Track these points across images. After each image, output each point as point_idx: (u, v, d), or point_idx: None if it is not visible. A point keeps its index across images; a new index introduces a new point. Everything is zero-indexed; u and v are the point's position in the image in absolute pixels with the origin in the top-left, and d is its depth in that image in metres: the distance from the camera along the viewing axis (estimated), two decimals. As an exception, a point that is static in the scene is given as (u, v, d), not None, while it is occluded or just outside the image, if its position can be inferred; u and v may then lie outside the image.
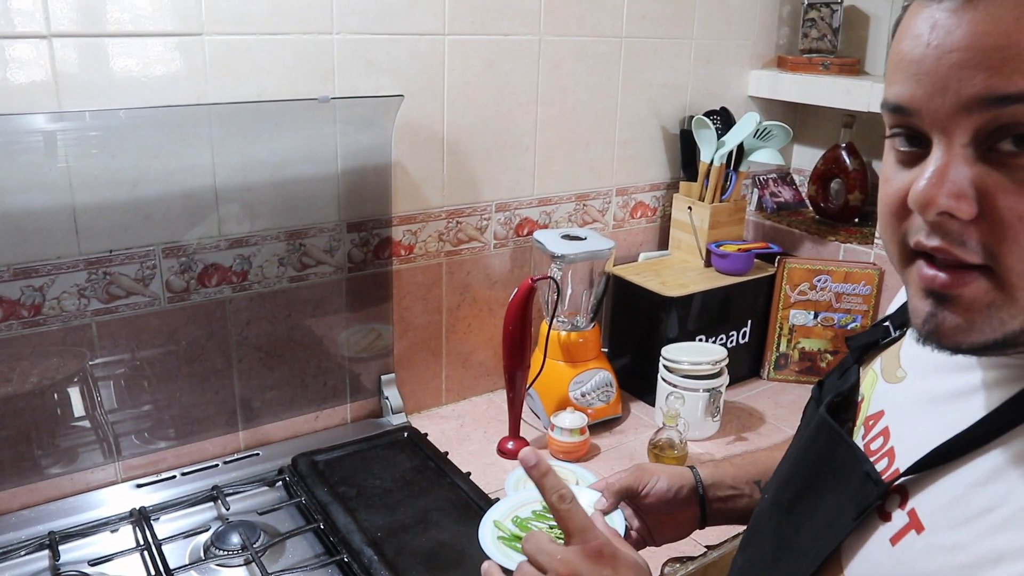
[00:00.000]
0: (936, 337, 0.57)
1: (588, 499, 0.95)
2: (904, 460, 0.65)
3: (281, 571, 1.18)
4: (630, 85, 1.80)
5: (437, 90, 1.52)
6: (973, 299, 0.54)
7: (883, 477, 0.65)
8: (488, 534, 0.94)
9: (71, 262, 1.26)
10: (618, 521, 0.92)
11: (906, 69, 0.55)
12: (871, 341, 0.78)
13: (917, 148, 0.56)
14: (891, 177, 0.59)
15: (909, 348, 0.72)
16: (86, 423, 1.35)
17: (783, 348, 1.90)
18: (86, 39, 1.19)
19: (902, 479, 0.63)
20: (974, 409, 0.61)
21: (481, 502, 1.32)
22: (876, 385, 0.74)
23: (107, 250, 1.28)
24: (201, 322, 1.39)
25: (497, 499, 1.34)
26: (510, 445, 1.56)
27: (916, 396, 0.68)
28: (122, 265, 1.30)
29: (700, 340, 1.77)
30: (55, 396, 1.31)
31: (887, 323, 0.78)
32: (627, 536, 0.93)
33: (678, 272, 1.84)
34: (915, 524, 0.60)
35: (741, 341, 1.86)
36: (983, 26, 0.50)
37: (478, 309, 1.71)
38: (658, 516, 0.97)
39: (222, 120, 1.31)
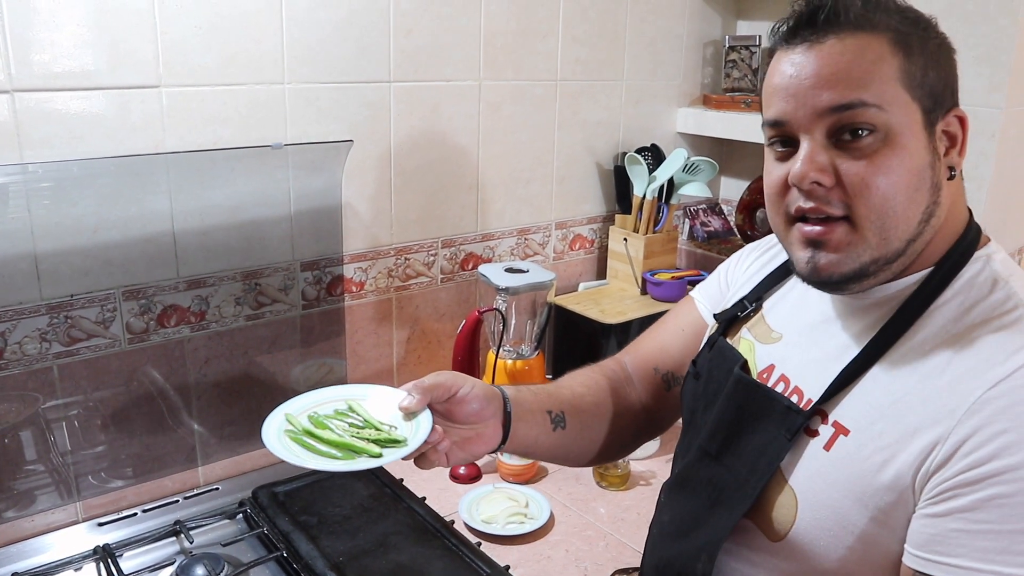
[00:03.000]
0: (816, 274, 0.79)
1: (395, 397, 0.94)
2: (813, 391, 0.84)
3: (248, 599, 1.23)
4: (566, 125, 1.90)
5: (384, 134, 1.60)
6: (839, 241, 0.77)
7: (800, 407, 0.84)
8: (275, 427, 0.95)
9: (33, 307, 1.29)
10: (425, 421, 0.89)
11: (778, 95, 0.79)
12: (732, 316, 0.98)
13: (789, 148, 0.80)
14: (772, 170, 0.82)
15: (776, 315, 0.94)
16: (46, 464, 1.38)
17: (717, 370, 2.00)
18: (48, 93, 1.24)
19: (817, 404, 0.82)
20: (850, 338, 0.83)
21: (437, 524, 1.38)
22: (755, 349, 0.94)
23: (68, 294, 1.32)
24: (160, 362, 1.43)
25: (451, 521, 1.41)
26: (462, 470, 1.63)
27: (798, 346, 0.89)
28: (83, 308, 1.34)
29: (639, 364, 1.86)
30: (16, 438, 1.34)
31: (744, 300, 0.98)
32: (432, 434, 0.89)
33: (616, 300, 1.93)
34: (841, 430, 0.79)
35: (677, 364, 1.96)
36: (824, 60, 0.75)
37: (427, 341, 1.79)
38: (462, 429, 0.95)
39: (179, 167, 1.37)
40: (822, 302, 0.88)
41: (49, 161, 1.26)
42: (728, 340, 0.98)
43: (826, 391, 0.81)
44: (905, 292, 0.79)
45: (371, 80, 1.55)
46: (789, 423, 0.83)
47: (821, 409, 0.82)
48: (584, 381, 1.12)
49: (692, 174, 1.94)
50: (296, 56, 1.45)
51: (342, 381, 1.66)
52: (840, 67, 0.74)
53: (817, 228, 0.77)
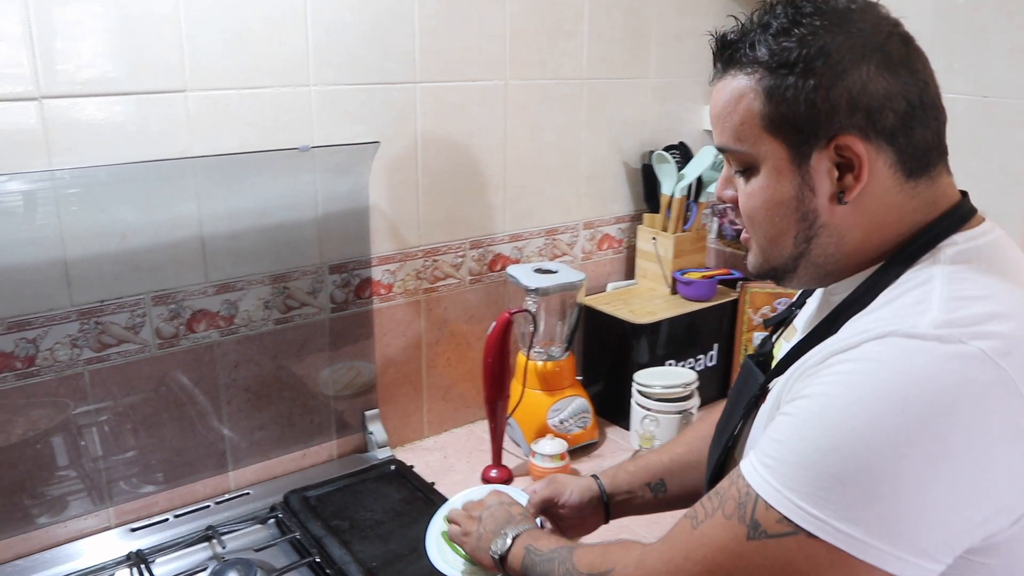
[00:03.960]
0: (748, 269, 0.89)
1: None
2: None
3: (281, 604, 1.22)
4: (593, 123, 1.88)
5: (410, 135, 1.59)
6: (748, 247, 0.87)
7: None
8: (435, 529, 1.18)
9: (63, 313, 1.29)
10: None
11: None
12: (782, 319, 1.01)
13: None
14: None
15: (801, 315, 0.98)
16: (78, 470, 1.38)
17: (749, 369, 1.97)
18: (75, 99, 1.24)
19: (765, 382, 0.89)
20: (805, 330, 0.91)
21: (470, 529, 1.37)
22: (781, 347, 0.98)
23: (98, 300, 1.32)
24: (190, 366, 1.43)
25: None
26: (493, 473, 1.61)
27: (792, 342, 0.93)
28: (113, 314, 1.34)
29: (670, 364, 1.84)
30: (48, 445, 1.34)
31: (791, 305, 1.02)
32: None
33: (645, 300, 1.91)
34: (767, 395, 0.87)
35: (709, 364, 1.94)
36: (715, 100, 0.83)
37: (456, 343, 1.77)
38: (570, 520, 1.17)
39: (207, 172, 1.37)
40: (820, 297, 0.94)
41: (77, 167, 1.26)
42: (775, 341, 1.01)
43: (775, 367, 0.88)
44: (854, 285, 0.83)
45: (397, 81, 1.54)
46: (754, 396, 0.91)
47: (767, 388, 0.89)
48: (688, 439, 1.18)
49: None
50: (321, 58, 1.44)
51: (372, 384, 1.65)
52: (719, 110, 0.82)
53: (744, 236, 0.88)
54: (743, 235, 0.88)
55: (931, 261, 0.77)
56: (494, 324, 1.53)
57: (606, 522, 1.18)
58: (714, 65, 0.84)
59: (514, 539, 1.02)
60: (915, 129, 0.77)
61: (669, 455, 1.17)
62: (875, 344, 0.70)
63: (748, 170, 0.82)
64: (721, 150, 0.83)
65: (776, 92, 0.77)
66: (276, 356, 1.52)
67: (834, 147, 0.77)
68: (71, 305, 1.30)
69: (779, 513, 0.70)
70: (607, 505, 1.16)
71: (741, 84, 0.80)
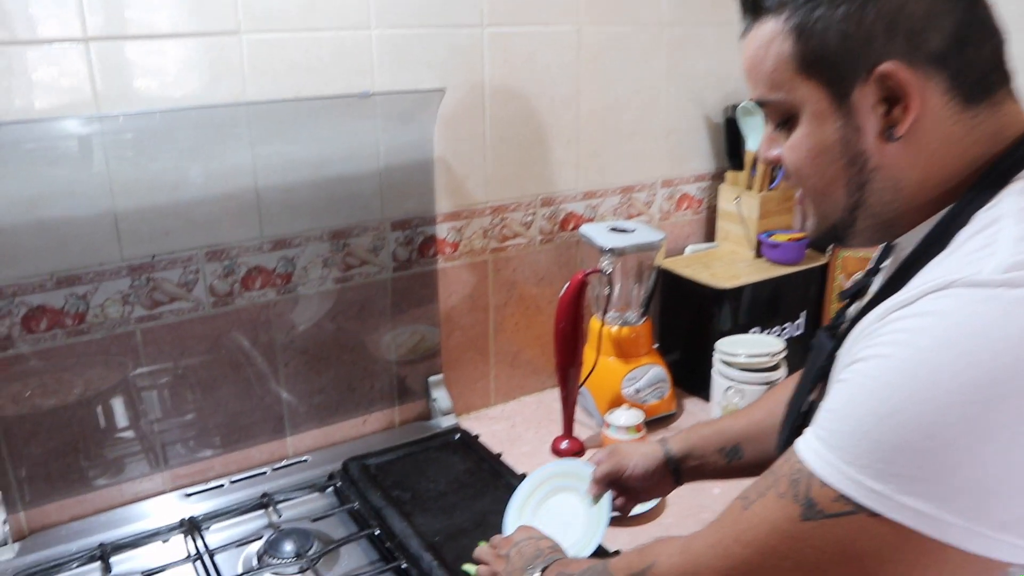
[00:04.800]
0: (808, 235, 0.84)
1: (587, 474, 1.16)
2: None
3: (337, 579, 1.14)
4: (673, 74, 1.75)
5: (477, 84, 1.48)
6: (804, 209, 0.81)
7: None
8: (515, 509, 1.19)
9: (114, 268, 1.23)
10: (606, 503, 1.13)
11: None
12: (857, 290, 0.91)
13: None
14: None
15: (876, 282, 0.88)
16: (132, 432, 1.33)
17: (839, 339, 1.84)
18: (123, 41, 1.17)
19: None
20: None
21: (539, 503, 1.28)
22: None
23: (149, 255, 1.25)
24: (246, 326, 1.36)
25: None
26: (564, 445, 1.52)
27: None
28: (165, 270, 1.27)
29: (754, 332, 1.71)
30: (101, 405, 1.29)
31: (867, 273, 0.92)
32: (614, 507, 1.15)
33: (728, 264, 1.79)
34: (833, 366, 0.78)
35: (795, 333, 1.80)
36: (746, 53, 0.78)
37: (525, 307, 1.67)
38: (637, 490, 1.15)
39: (261, 119, 1.29)
40: None
41: (127, 113, 1.19)
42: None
43: (840, 336, 0.79)
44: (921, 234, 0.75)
45: (462, 24, 1.43)
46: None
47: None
48: (768, 404, 1.10)
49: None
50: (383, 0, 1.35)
51: (436, 349, 1.57)
52: (751, 62, 0.77)
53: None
54: (796, 196, 0.79)
55: (1000, 198, 0.69)
56: (567, 286, 1.42)
57: (676, 487, 1.15)
58: (742, 19, 0.79)
59: (543, 571, 0.96)
60: (966, 49, 0.70)
61: (747, 420, 1.11)
62: (935, 296, 0.64)
63: (788, 121, 0.76)
64: (759, 105, 0.79)
65: (805, 28, 0.72)
66: (336, 317, 1.44)
67: (876, 78, 0.70)
68: (121, 260, 1.24)
69: (836, 490, 0.64)
70: (677, 471, 1.12)
71: (769, 29, 0.74)
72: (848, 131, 0.73)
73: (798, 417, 0.84)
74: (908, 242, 0.76)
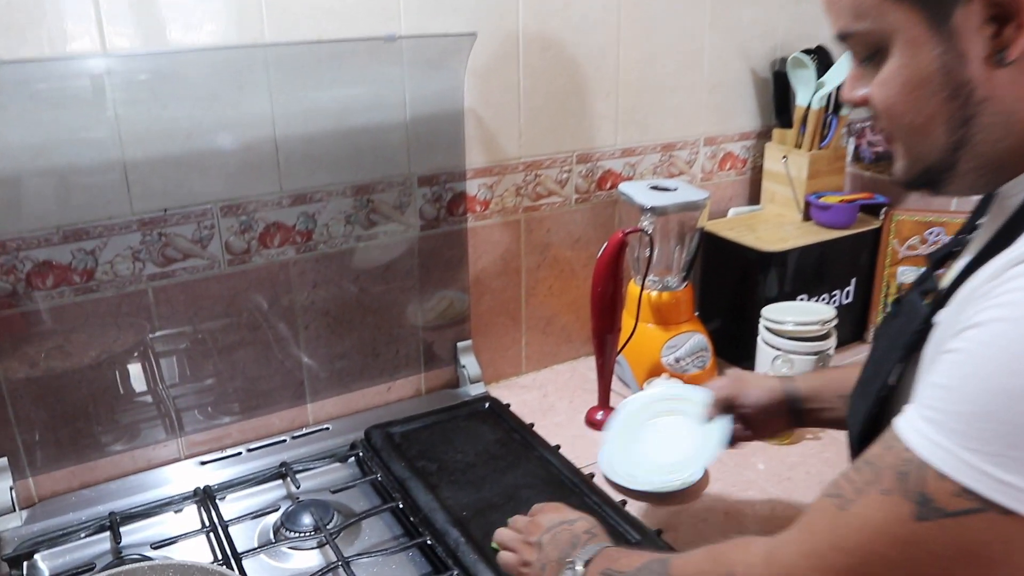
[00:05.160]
0: (898, 179, 0.73)
1: (699, 399, 1.14)
2: None
3: (358, 555, 1.07)
4: (717, 24, 1.64)
5: (511, 31, 1.38)
6: (894, 150, 0.71)
7: None
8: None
9: (124, 223, 1.16)
10: (720, 425, 1.10)
11: None
12: (948, 252, 0.82)
13: None
14: None
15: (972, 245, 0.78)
16: (146, 397, 1.26)
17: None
18: (132, -25, 1.08)
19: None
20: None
21: (574, 478, 1.19)
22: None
23: (161, 209, 1.18)
24: (264, 286, 1.28)
25: (590, 474, 1.22)
26: (599, 416, 1.43)
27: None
28: (178, 225, 1.20)
29: (801, 300, 1.61)
30: (112, 368, 1.22)
31: (961, 232, 0.83)
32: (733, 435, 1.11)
33: (774, 227, 1.68)
34: (930, 334, 0.69)
35: (844, 301, 1.70)
36: None
37: (559, 270, 1.58)
38: (755, 420, 1.10)
39: (280, 64, 1.20)
40: None
41: (139, 53, 1.11)
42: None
43: (938, 300, 0.71)
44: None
45: (496, -35, 1.34)
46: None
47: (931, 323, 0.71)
48: None
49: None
50: (411, -66, 1.25)
51: (465, 313, 1.49)
52: None
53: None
54: (884, 138, 0.74)
55: None
56: (605, 246, 1.33)
57: (795, 428, 1.16)
58: None
59: (586, 565, 0.86)
60: None
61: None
62: None
63: (877, 54, 0.68)
64: (842, 38, 0.70)
65: None
66: (359, 278, 1.36)
67: None
68: (132, 214, 1.16)
69: (957, 483, 0.54)
70: (798, 411, 1.08)
71: None
72: (949, 58, 0.64)
73: (883, 390, 0.74)
74: (1016, 189, 0.66)
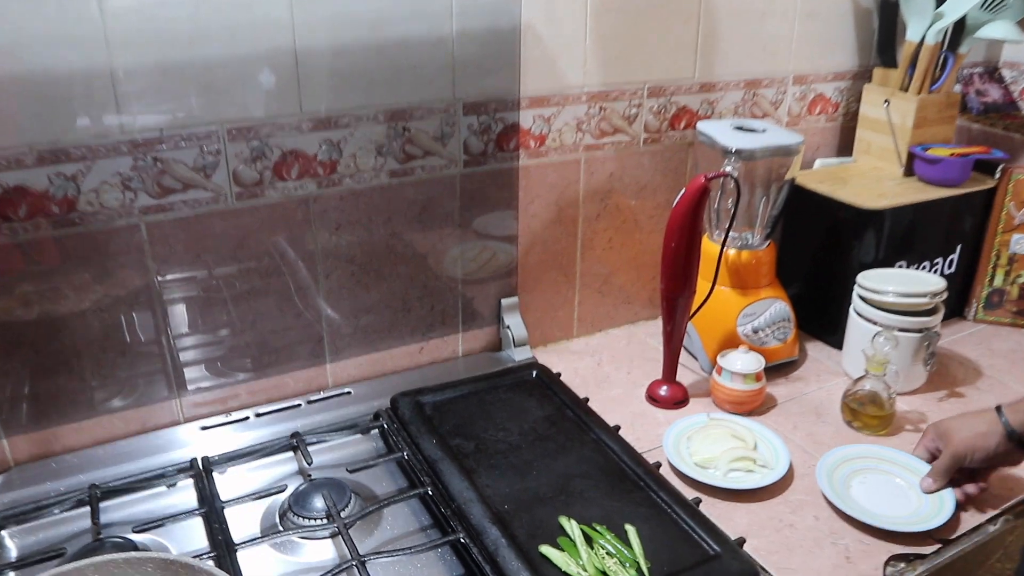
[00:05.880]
0: None
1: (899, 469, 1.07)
2: None
3: (376, 553, 0.89)
4: (818, -60, 1.40)
5: (579, -68, 1.16)
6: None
7: None
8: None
9: (111, 144, 0.97)
10: (949, 497, 1.00)
11: None
12: None
13: None
14: None
15: None
16: (140, 350, 1.08)
17: (998, 282, 1.50)
18: None
19: None
20: None
21: (638, 468, 0.99)
22: None
23: (157, 129, 0.98)
24: (279, 225, 1.09)
25: (657, 464, 1.03)
26: (663, 391, 1.23)
27: None
28: (177, 150, 1.00)
29: (899, 267, 1.39)
30: (99, 315, 1.04)
31: None
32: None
33: (870, 181, 1.45)
34: None
35: (947, 271, 1.48)
36: None
37: (621, 220, 1.37)
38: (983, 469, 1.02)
39: (304, -42, 1.00)
40: None
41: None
42: None
43: None
44: None
45: None
46: None
47: None
48: None
49: (995, 11, 1.40)
50: None
51: (512, 266, 1.29)
52: None
53: None
54: None
55: None
56: (682, 193, 1.12)
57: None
58: None
59: None
60: None
61: None
62: None
63: None
64: None
65: None
66: (390, 219, 1.16)
67: None
68: (121, 133, 0.97)
69: None
70: (1022, 442, 0.97)
71: None
72: None
73: None
74: None
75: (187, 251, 1.05)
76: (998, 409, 0.99)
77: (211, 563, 0.86)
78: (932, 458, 1.05)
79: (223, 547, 0.88)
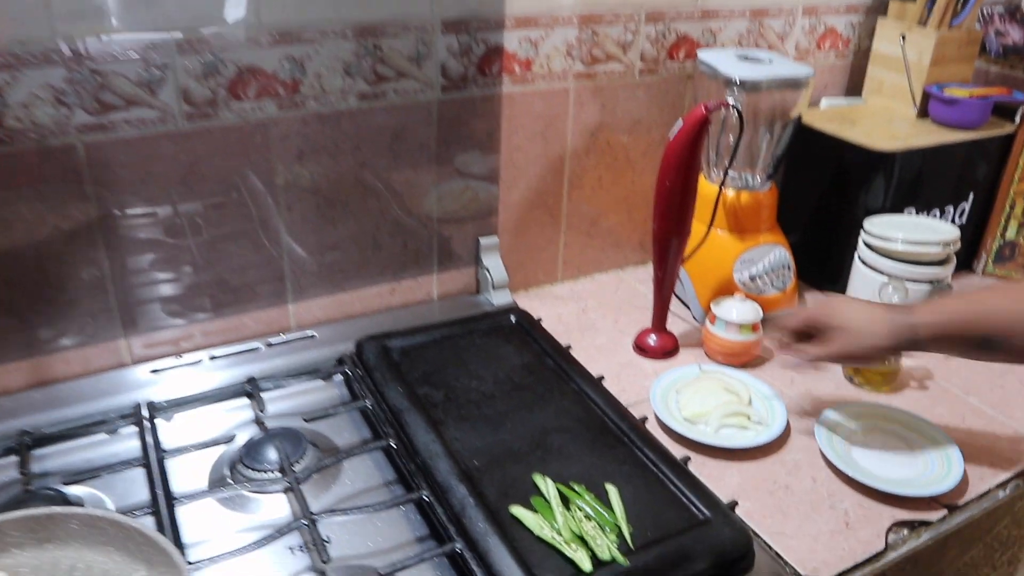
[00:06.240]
0: None
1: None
2: None
3: (330, 511, 0.80)
4: None
5: None
6: None
7: None
8: None
9: (41, 52, 0.86)
10: (957, 459, 0.93)
11: None
12: None
13: None
14: None
15: None
16: (82, 284, 0.98)
17: (1011, 235, 1.41)
18: None
19: None
20: None
21: (622, 423, 0.91)
22: None
23: (94, 35, 0.88)
24: (235, 151, 0.99)
25: (643, 418, 0.95)
26: (652, 340, 1.15)
27: None
28: (118, 62, 0.90)
29: (909, 213, 1.30)
30: (35, 245, 0.94)
31: None
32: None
33: (881, 122, 1.35)
34: None
35: (957, 220, 1.39)
36: None
37: (612, 157, 1.28)
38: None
39: None
40: None
41: None
42: None
43: None
44: None
45: None
46: None
47: None
48: None
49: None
50: None
51: (493, 203, 1.19)
52: None
53: None
54: None
55: None
56: (678, 125, 1.02)
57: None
58: None
59: None
60: None
61: (1019, 312, 0.82)
62: None
63: None
64: None
65: None
66: (359, 147, 1.06)
67: None
68: (54, 36, 0.86)
69: None
70: (913, 346, 0.88)
71: None
72: None
73: None
74: None
75: (132, 176, 0.95)
76: (905, 312, 0.88)
77: (150, 520, 0.78)
78: (800, 335, 0.94)
79: (161, 501, 0.80)
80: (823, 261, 1.34)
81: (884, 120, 1.36)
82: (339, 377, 1.03)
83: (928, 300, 0.91)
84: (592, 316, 1.24)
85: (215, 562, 0.74)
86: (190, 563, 0.74)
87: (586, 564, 0.71)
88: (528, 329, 1.10)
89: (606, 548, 0.73)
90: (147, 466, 0.85)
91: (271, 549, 0.77)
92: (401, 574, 0.74)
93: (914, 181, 1.29)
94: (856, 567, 0.81)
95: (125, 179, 0.95)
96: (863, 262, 1.19)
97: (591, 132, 1.23)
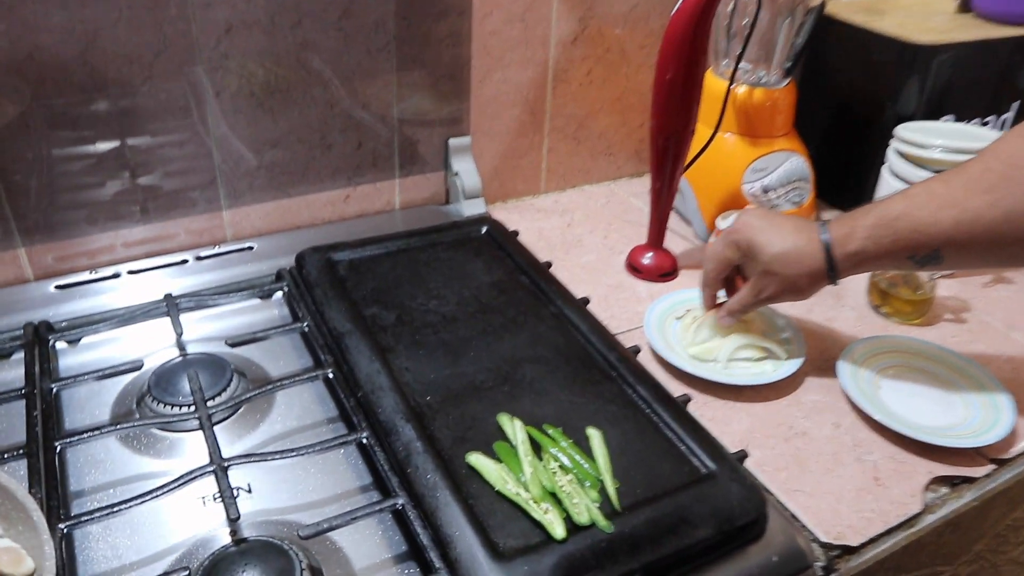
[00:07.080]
0: None
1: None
2: None
3: (246, 457, 0.65)
4: None
5: None
6: None
7: None
8: None
9: None
10: (1008, 405, 0.79)
11: None
12: None
13: None
14: None
15: None
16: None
17: (1054, 146, 1.25)
18: None
19: None
20: None
21: (610, 354, 0.76)
22: None
23: None
24: (143, 22, 0.82)
25: (635, 349, 0.80)
26: (647, 259, 0.99)
27: None
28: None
29: (946, 120, 1.14)
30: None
31: None
32: None
33: (917, 15, 1.18)
34: None
35: (997, 129, 1.22)
36: None
37: (604, 49, 1.10)
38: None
39: None
40: None
41: None
42: None
43: None
44: None
45: None
46: None
47: None
48: (992, 179, 0.69)
49: None
50: None
51: (463, 99, 1.02)
52: None
53: None
54: None
55: None
56: (680, 2, 0.85)
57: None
58: None
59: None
60: None
61: (957, 211, 0.71)
62: None
63: None
64: None
65: None
66: (300, 23, 0.89)
67: None
68: None
69: None
70: (833, 271, 0.77)
71: None
72: None
73: None
74: None
75: (17, 48, 0.78)
76: (821, 226, 0.77)
77: (22, 464, 0.64)
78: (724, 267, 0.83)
79: (38, 441, 0.65)
80: (845, 175, 1.17)
81: (920, 12, 1.19)
82: (280, 294, 0.88)
83: (846, 216, 0.76)
84: (578, 231, 1.08)
85: (102, 517, 0.60)
86: (72, 517, 0.59)
87: (558, 530, 0.56)
88: (501, 242, 0.94)
89: (584, 509, 0.58)
90: (28, 397, 0.70)
91: (176, 500, 0.63)
92: (331, 534, 0.60)
93: (951, 83, 1.12)
94: (888, 532, 0.67)
95: (13, 44, 0.78)
96: (894, 174, 1.03)
97: (580, 16, 1.06)
